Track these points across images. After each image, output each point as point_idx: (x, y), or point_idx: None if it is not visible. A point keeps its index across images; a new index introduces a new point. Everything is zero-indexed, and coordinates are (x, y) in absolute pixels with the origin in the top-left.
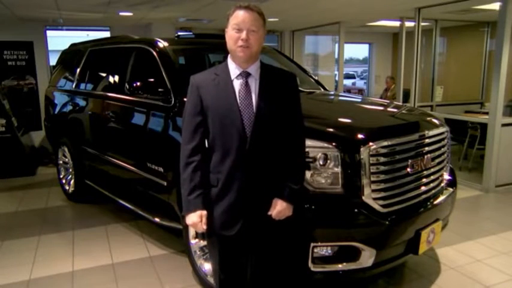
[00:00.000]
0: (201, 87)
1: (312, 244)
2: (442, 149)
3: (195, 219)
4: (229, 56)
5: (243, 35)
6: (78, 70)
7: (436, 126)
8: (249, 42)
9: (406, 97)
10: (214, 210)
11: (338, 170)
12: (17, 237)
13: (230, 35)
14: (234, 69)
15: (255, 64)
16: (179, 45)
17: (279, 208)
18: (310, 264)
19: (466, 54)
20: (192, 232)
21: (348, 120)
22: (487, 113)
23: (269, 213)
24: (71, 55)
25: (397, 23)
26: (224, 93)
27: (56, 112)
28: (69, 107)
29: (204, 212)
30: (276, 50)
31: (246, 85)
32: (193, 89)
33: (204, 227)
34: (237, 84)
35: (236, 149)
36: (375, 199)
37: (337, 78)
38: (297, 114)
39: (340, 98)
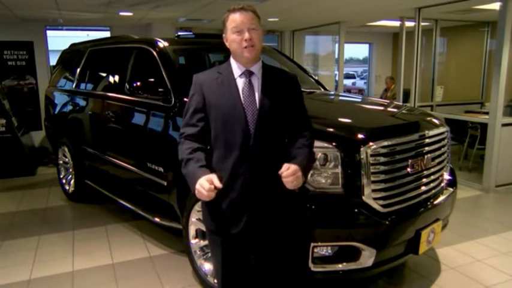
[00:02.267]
0: (204, 85)
1: (312, 244)
2: (442, 149)
3: (206, 185)
4: (231, 55)
5: (246, 35)
6: (78, 70)
7: (436, 126)
8: (252, 41)
9: (406, 97)
10: (217, 207)
11: (338, 170)
12: (17, 237)
13: (232, 38)
14: (236, 68)
15: (258, 63)
16: (179, 45)
17: (294, 168)
18: (310, 264)
19: (466, 54)
20: (192, 232)
21: (348, 120)
22: (487, 113)
23: (280, 172)
24: (71, 55)
25: (397, 23)
26: (228, 91)
27: (56, 112)
28: (69, 107)
29: (213, 175)
30: (276, 50)
31: (250, 83)
32: (196, 87)
33: (218, 184)
34: (240, 82)
35: (240, 145)
36: (375, 199)
37: (337, 78)
38: (303, 114)
39: (340, 98)
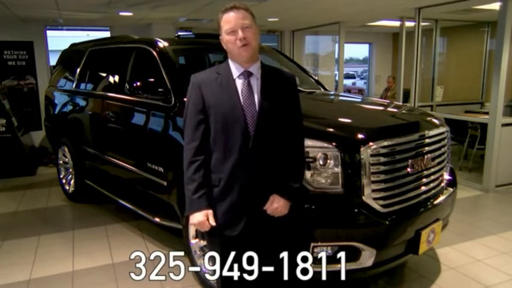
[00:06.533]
0: (203, 86)
1: (312, 244)
2: (442, 149)
3: (201, 218)
4: (228, 56)
5: (240, 34)
6: (78, 70)
7: (436, 126)
8: (247, 39)
9: (406, 97)
10: (216, 210)
11: (338, 170)
12: (17, 237)
13: (227, 39)
14: (235, 69)
15: (256, 64)
16: (179, 45)
17: (276, 205)
18: (310, 264)
19: (466, 54)
20: (192, 232)
21: (348, 120)
22: (487, 113)
23: (264, 208)
24: (71, 55)
25: (397, 23)
26: (227, 92)
27: (56, 112)
28: (69, 107)
29: (210, 211)
30: (276, 50)
31: (249, 84)
32: (194, 88)
33: (213, 223)
34: (239, 83)
35: (239, 147)
36: (375, 199)
37: (337, 78)
38: (297, 114)
39: (340, 98)
